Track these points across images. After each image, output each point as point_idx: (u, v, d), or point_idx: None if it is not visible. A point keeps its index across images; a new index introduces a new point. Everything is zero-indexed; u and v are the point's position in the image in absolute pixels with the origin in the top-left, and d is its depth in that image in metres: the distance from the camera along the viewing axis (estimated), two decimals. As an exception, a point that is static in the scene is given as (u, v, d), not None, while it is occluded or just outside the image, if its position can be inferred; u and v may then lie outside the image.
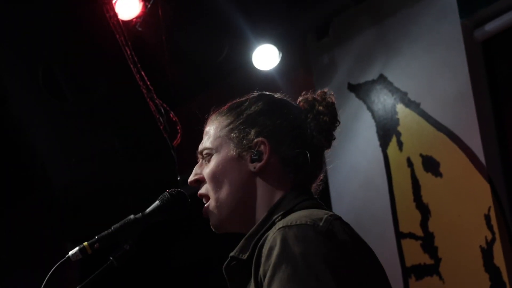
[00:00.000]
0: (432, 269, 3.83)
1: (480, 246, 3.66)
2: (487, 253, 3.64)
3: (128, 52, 3.58)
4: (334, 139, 1.87)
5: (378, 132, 4.18)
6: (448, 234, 3.80)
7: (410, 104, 4.05)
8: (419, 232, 3.92)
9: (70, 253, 1.80)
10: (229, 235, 1.89)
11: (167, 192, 1.85)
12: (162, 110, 3.75)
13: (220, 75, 4.76)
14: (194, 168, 1.88)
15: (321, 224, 1.60)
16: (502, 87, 3.93)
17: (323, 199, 1.87)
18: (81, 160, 3.71)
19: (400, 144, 4.07)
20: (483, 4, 3.86)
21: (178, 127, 3.91)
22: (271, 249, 1.58)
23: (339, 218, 1.66)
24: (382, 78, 4.21)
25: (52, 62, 3.49)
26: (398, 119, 4.10)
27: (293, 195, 1.77)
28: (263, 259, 1.60)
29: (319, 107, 1.85)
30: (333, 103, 1.87)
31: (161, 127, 3.69)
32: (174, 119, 3.91)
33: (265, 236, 1.65)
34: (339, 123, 1.87)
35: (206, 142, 1.86)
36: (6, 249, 5.43)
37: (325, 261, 1.54)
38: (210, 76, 4.78)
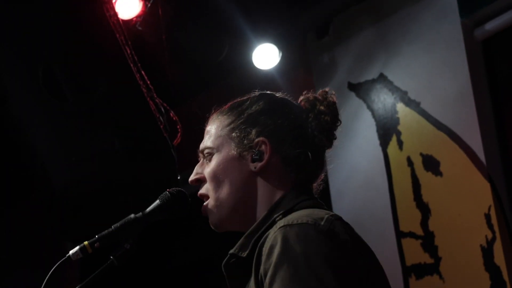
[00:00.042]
0: (432, 268, 3.83)
1: (481, 245, 3.66)
2: (487, 252, 3.63)
3: (128, 52, 3.58)
4: (335, 138, 1.87)
5: (378, 131, 4.18)
6: (448, 233, 3.80)
7: (410, 103, 4.05)
8: (419, 231, 3.92)
9: (71, 252, 1.80)
10: (230, 235, 1.89)
11: (168, 191, 1.85)
12: (162, 110, 3.75)
13: (220, 74, 4.76)
14: (195, 167, 1.88)
15: (322, 223, 1.60)
16: (502, 86, 3.92)
17: (323, 198, 1.87)
18: (81, 160, 3.71)
19: (400, 143, 4.07)
20: (483, 3, 3.86)
21: (178, 127, 3.91)
22: (272, 248, 1.58)
23: (339, 218, 1.66)
24: (382, 77, 4.21)
25: (52, 62, 3.49)
26: (398, 118, 4.10)
27: (294, 195, 1.77)
28: (263, 258, 1.60)
29: (321, 107, 1.85)
30: (334, 103, 1.87)
31: (161, 127, 3.69)
32: (174, 118, 3.91)
33: (266, 234, 1.65)
34: (340, 122, 1.87)
35: (207, 141, 1.86)
36: (6, 249, 5.43)
37: (326, 261, 1.54)
38: (210, 75, 4.78)
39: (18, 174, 4.79)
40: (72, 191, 3.85)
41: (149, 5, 3.95)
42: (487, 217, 3.65)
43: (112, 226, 1.81)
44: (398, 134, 4.09)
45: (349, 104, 4.29)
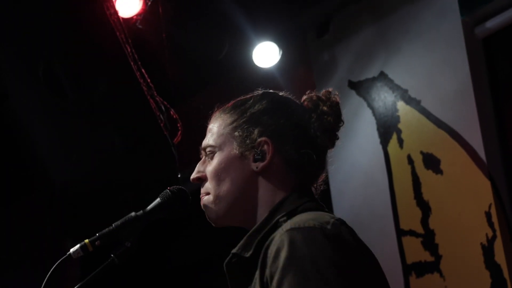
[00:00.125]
0: (432, 266, 3.83)
1: (481, 243, 3.66)
2: (488, 250, 3.63)
3: (128, 50, 3.57)
4: (338, 139, 1.87)
5: (378, 129, 4.18)
6: (449, 231, 3.80)
7: (410, 101, 4.05)
8: (420, 229, 3.91)
9: (71, 250, 1.80)
10: (230, 235, 1.89)
11: (168, 189, 1.85)
12: (163, 108, 3.75)
13: (221, 73, 4.76)
14: (197, 165, 1.87)
15: (328, 227, 1.60)
16: (502, 84, 3.92)
17: (324, 196, 1.86)
18: (82, 158, 3.71)
19: (400, 141, 4.07)
20: (484, 1, 3.86)
21: (178, 125, 3.91)
22: (278, 251, 1.57)
23: (344, 223, 1.66)
24: (382, 76, 4.21)
25: (52, 60, 3.49)
26: (398, 117, 4.10)
27: (296, 196, 1.77)
28: (269, 261, 1.59)
29: (323, 107, 1.85)
30: (337, 103, 1.87)
31: (162, 125, 3.69)
32: (174, 116, 3.90)
33: (271, 236, 1.64)
34: (343, 123, 1.87)
35: (210, 140, 1.85)
36: (6, 247, 5.44)
37: (334, 265, 1.54)
38: (211, 74, 4.78)
39: (18, 173, 4.80)
40: (72, 189, 3.85)
41: (149, 3, 3.94)
42: (488, 215, 3.65)
43: (113, 224, 1.81)
44: (399, 132, 4.08)
45: (350, 102, 4.28)
